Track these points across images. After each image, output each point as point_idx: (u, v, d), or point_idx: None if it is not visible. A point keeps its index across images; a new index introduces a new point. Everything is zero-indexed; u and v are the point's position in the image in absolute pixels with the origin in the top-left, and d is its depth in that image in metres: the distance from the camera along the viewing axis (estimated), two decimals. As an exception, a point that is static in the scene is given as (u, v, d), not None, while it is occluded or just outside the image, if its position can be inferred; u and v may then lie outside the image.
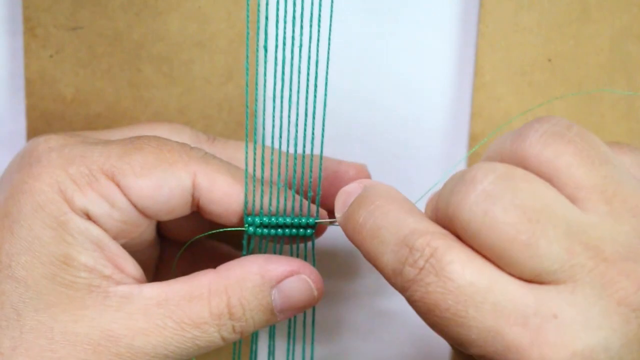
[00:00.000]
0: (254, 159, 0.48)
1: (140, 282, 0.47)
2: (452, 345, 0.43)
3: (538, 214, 0.40)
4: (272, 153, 0.48)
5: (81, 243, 0.45)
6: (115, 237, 0.47)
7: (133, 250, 0.50)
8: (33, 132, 0.54)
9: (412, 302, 0.42)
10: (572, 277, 0.40)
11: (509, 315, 0.40)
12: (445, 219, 0.42)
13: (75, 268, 0.45)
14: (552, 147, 0.42)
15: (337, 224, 0.46)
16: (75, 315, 0.45)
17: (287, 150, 0.48)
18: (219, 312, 0.45)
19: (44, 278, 0.45)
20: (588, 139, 0.42)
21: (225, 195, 0.47)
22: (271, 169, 0.48)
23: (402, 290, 0.42)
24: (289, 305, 0.47)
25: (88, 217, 0.46)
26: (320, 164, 0.48)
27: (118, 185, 0.46)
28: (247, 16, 0.44)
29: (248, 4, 0.44)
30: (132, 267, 0.47)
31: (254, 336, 0.51)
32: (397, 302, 0.58)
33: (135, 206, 0.47)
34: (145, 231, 0.49)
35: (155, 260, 0.54)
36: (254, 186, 0.47)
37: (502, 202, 0.40)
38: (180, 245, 0.53)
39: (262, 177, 0.48)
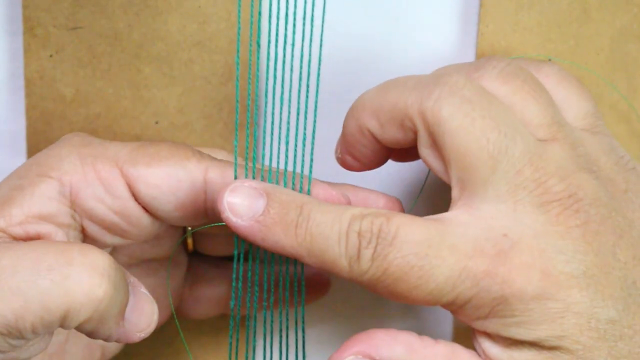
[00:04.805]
0: (254, 159, 0.48)
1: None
2: (427, 304, 0.44)
3: (506, 129, 0.44)
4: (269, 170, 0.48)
5: (29, 197, 0.46)
6: (107, 229, 0.47)
7: (151, 257, 0.51)
8: (33, 132, 0.54)
9: (376, 280, 0.44)
10: (514, 196, 0.44)
11: (465, 250, 0.43)
12: (416, 110, 0.45)
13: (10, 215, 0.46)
14: (510, 84, 0.46)
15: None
16: None
17: (287, 150, 0.48)
18: None
19: None
20: (536, 81, 0.47)
21: None
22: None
23: (362, 274, 0.44)
24: None
25: (77, 195, 0.46)
26: (311, 163, 0.48)
27: (125, 176, 0.47)
28: (239, 12, 0.44)
29: (247, 4, 0.44)
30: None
31: (247, 335, 0.51)
32: (397, 302, 0.58)
33: (138, 199, 0.47)
34: (162, 241, 0.50)
35: (183, 274, 0.54)
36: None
37: (480, 110, 0.44)
38: (216, 261, 0.54)
39: (262, 169, 0.48)
